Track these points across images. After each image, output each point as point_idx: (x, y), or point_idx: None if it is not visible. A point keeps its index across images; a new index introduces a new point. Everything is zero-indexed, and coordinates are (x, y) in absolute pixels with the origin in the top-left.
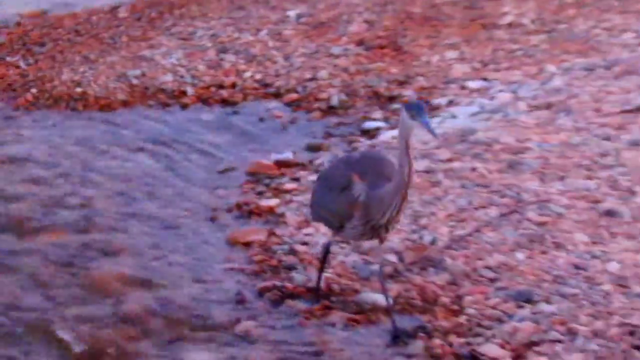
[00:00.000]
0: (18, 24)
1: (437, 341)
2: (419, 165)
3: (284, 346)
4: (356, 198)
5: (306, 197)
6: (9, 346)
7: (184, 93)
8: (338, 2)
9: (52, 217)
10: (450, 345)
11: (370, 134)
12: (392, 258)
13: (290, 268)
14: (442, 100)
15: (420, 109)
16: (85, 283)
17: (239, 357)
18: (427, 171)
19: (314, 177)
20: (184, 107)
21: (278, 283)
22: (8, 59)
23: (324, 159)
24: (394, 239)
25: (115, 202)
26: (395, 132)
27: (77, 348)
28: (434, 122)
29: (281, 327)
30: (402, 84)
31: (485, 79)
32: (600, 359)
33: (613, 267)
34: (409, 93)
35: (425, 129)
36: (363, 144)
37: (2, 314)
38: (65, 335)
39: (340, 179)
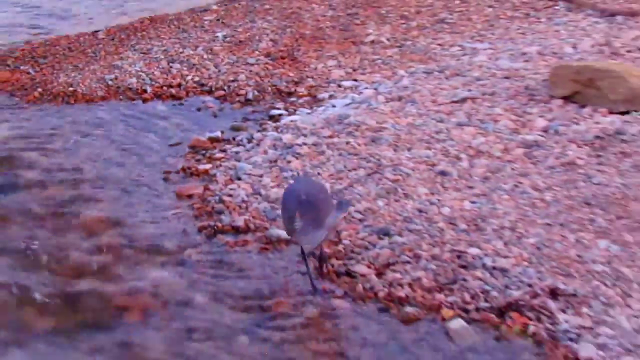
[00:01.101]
0: (27, 42)
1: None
2: (310, 140)
3: (215, 266)
4: (295, 228)
5: (231, 163)
6: (4, 268)
7: (144, 91)
8: (251, 27)
9: (50, 176)
10: (332, 266)
11: (274, 118)
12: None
13: (220, 212)
14: (325, 95)
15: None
16: (73, 223)
17: (185, 274)
18: (315, 144)
19: (236, 149)
20: (145, 101)
21: (211, 223)
22: (21, 67)
23: (243, 136)
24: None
25: (96, 166)
26: (292, 118)
27: (60, 270)
28: (320, 110)
29: (213, 253)
30: (297, 83)
31: (355, 80)
32: (437, 275)
33: (445, 210)
34: (301, 89)
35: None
36: (270, 125)
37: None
38: (51, 260)
39: (290, 209)
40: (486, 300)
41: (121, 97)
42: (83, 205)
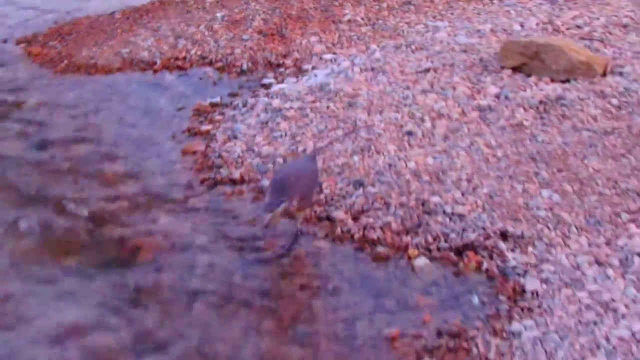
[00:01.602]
0: (55, 22)
1: (307, 211)
2: (295, 104)
3: (215, 213)
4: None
5: (229, 124)
6: (34, 214)
7: (155, 63)
8: (246, 8)
9: (74, 136)
10: (315, 212)
11: (265, 86)
12: (280, 160)
13: (219, 167)
14: (308, 66)
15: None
16: (94, 176)
17: (189, 219)
18: (300, 108)
19: (233, 112)
20: (155, 71)
21: (212, 175)
22: (50, 43)
23: (238, 101)
24: (281, 149)
25: (113, 128)
26: (280, 86)
27: (83, 215)
28: (304, 79)
29: (213, 202)
30: (284, 56)
31: (334, 53)
32: (404, 220)
33: (411, 165)
34: (288, 61)
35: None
36: (262, 92)
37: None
38: (76, 207)
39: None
40: (446, 241)
41: (135, 68)
42: (102, 160)
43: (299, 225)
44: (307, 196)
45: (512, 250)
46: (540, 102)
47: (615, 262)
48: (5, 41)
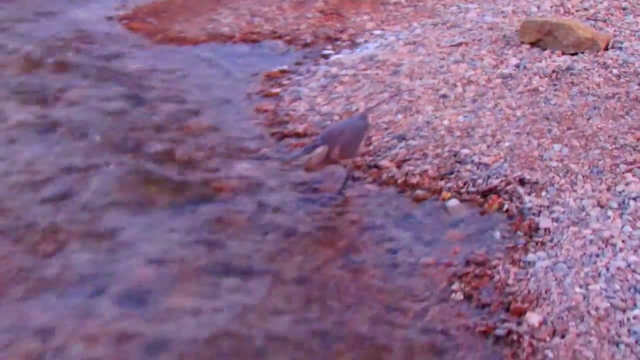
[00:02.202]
0: (152, 1)
1: (358, 159)
2: (350, 72)
3: (283, 160)
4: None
5: (294, 88)
6: (132, 161)
7: (233, 36)
8: None
9: (167, 96)
10: (365, 160)
11: (325, 57)
12: (336, 117)
13: (286, 122)
14: (361, 40)
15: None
16: (183, 129)
17: (261, 166)
18: (354, 75)
19: (298, 78)
20: (234, 43)
21: (280, 130)
22: (148, 19)
23: (302, 68)
24: (337, 109)
25: (199, 89)
26: (337, 56)
27: (174, 161)
28: (357, 51)
29: (281, 152)
30: (341, 31)
31: (382, 30)
32: (439, 167)
33: (445, 122)
34: (344, 36)
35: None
36: (322, 61)
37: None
38: (168, 154)
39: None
40: (474, 186)
41: (217, 40)
42: (189, 116)
43: (350, 171)
44: (349, 148)
45: (529, 194)
46: (553, 71)
47: (615, 205)
48: (110, 19)
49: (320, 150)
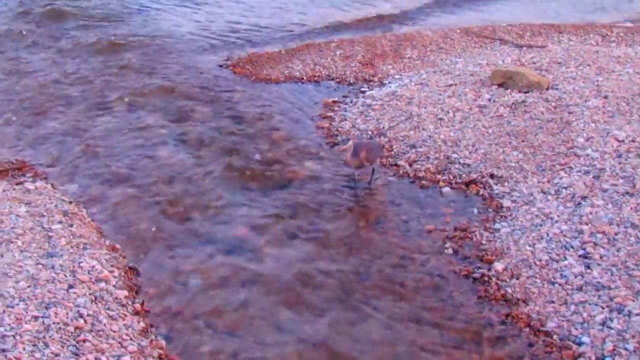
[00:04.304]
0: (250, 54)
1: (379, 161)
2: (378, 102)
3: (334, 160)
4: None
5: (342, 112)
6: (210, 158)
7: (303, 78)
8: (352, 49)
9: (258, 116)
10: (388, 161)
11: (363, 92)
12: (370, 132)
13: (337, 135)
14: (386, 81)
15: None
16: (266, 137)
17: (320, 163)
18: (381, 104)
19: (344, 106)
20: (302, 82)
21: (332, 140)
22: (246, 66)
23: (347, 100)
24: (370, 126)
25: (279, 112)
26: (370, 92)
27: (260, 161)
28: (384, 88)
29: (333, 154)
30: (373, 75)
31: (400, 74)
32: (437, 166)
33: (441, 136)
34: (375, 78)
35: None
36: (360, 95)
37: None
38: (253, 155)
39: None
40: (460, 178)
41: (292, 80)
42: (271, 130)
43: (375, 169)
44: (371, 154)
45: (496, 184)
46: (513, 103)
47: (552, 191)
48: (221, 66)
49: (350, 142)
